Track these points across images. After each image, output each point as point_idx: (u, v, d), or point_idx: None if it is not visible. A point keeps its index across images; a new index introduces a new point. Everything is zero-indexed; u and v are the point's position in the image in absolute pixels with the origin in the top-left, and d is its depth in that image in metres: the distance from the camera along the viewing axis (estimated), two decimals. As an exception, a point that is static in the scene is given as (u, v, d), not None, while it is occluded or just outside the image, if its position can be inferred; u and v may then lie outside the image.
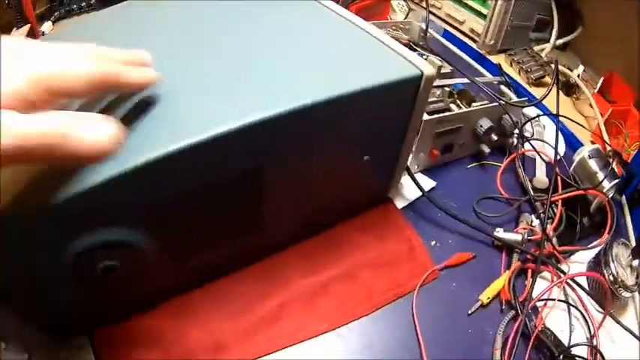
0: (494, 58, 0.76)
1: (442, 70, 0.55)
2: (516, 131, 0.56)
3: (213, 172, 0.31)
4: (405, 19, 0.76)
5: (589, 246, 0.52)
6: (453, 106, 0.53)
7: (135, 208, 0.29)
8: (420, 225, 0.49)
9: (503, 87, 0.58)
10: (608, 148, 0.59)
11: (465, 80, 0.55)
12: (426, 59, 0.60)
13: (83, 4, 0.87)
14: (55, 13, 0.85)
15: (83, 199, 0.25)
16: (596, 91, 0.74)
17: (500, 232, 0.49)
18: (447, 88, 0.53)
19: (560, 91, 0.73)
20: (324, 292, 0.42)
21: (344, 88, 0.33)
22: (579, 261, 0.52)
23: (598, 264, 0.49)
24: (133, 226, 0.30)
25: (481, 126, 0.52)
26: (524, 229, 0.50)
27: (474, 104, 0.54)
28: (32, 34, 0.77)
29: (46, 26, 0.82)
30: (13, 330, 0.33)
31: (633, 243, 0.55)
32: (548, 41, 0.79)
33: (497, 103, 0.53)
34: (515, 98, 0.56)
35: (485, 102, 0.54)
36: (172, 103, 0.30)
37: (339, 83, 0.34)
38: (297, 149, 0.35)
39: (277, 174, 0.35)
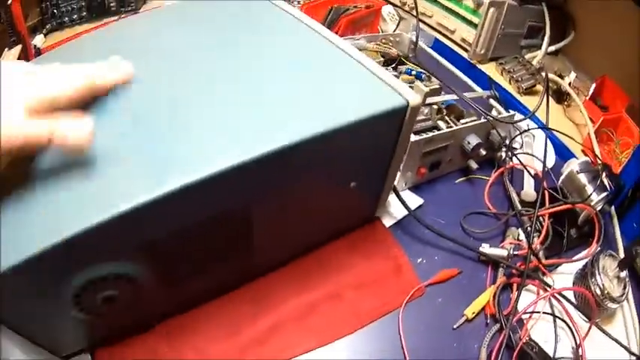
0: (485, 67, 0.76)
1: (431, 87, 0.56)
2: (505, 146, 0.56)
3: (202, 211, 0.33)
4: (395, 28, 0.77)
5: (576, 258, 0.53)
6: (441, 123, 0.54)
7: (131, 245, 0.31)
8: (407, 242, 0.50)
9: (492, 100, 0.58)
10: (599, 161, 0.59)
11: (454, 97, 0.56)
12: (414, 75, 0.61)
13: (75, 16, 0.89)
14: (47, 26, 0.86)
15: (82, 239, 0.27)
16: (588, 97, 0.74)
17: (486, 248, 0.50)
18: (435, 106, 0.54)
19: (551, 99, 0.74)
20: (313, 311, 0.43)
21: (329, 124, 0.34)
22: (566, 272, 0.53)
23: (585, 276, 0.50)
24: (130, 260, 0.32)
25: (469, 143, 0.53)
26: (510, 243, 0.51)
27: (462, 121, 0.54)
28: (24, 50, 0.77)
29: (39, 39, 0.83)
30: (18, 350, 0.35)
31: (621, 254, 0.56)
32: (539, 47, 0.79)
33: (485, 120, 0.53)
34: (504, 113, 0.57)
35: (474, 118, 0.55)
36: (159, 139, 0.32)
37: (324, 118, 0.35)
38: (283, 184, 0.36)
39: (265, 207, 0.37)
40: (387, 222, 0.51)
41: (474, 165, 0.56)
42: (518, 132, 0.59)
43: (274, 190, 0.36)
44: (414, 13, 0.71)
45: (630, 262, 0.53)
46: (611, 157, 0.67)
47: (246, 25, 0.46)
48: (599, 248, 0.54)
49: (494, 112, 0.58)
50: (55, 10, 0.88)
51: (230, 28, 0.45)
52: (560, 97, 0.73)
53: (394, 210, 0.51)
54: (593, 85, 0.73)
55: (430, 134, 0.50)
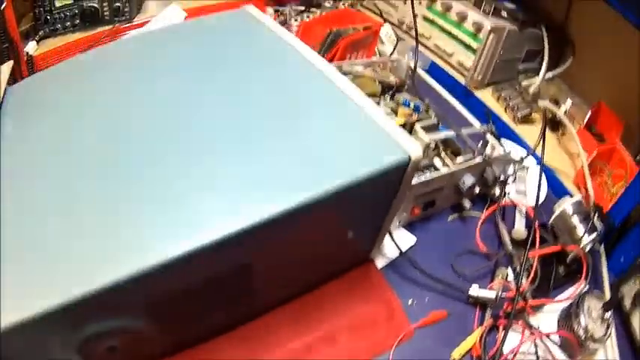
0: (482, 93, 0.76)
1: (428, 122, 0.55)
2: (499, 184, 0.57)
3: (205, 272, 0.33)
4: (393, 51, 0.76)
5: (562, 298, 0.54)
6: (437, 160, 0.54)
7: (135, 303, 0.32)
8: (399, 283, 0.50)
9: (489, 135, 0.58)
10: (591, 201, 0.60)
11: (452, 133, 0.55)
12: (412, 108, 0.60)
13: (67, 24, 0.87)
14: (40, 32, 0.84)
15: (90, 299, 0.28)
16: (583, 125, 0.74)
17: (474, 290, 0.51)
18: (432, 144, 0.53)
19: (547, 127, 0.74)
20: (308, 353, 0.44)
21: (331, 185, 0.34)
22: (552, 311, 0.54)
23: (569, 316, 0.51)
24: (134, 315, 0.33)
25: (464, 182, 0.53)
26: (499, 283, 0.52)
27: (458, 159, 0.54)
28: (16, 57, 0.76)
29: (31, 46, 0.81)
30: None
31: (607, 292, 0.57)
32: (536, 71, 0.79)
33: (481, 160, 0.53)
34: (500, 150, 0.57)
35: (470, 156, 0.55)
36: (160, 201, 0.32)
37: (325, 179, 0.34)
38: (284, 239, 0.36)
39: (265, 260, 0.37)
40: (380, 263, 0.51)
41: (467, 204, 0.57)
42: (512, 168, 0.59)
43: (275, 246, 0.36)
44: (412, 34, 0.70)
45: (615, 304, 0.54)
46: (602, 190, 0.67)
47: (238, 58, 0.45)
48: (586, 287, 0.55)
49: (489, 148, 0.58)
50: (48, 17, 0.85)
51: (221, 60, 0.45)
52: (555, 125, 0.73)
53: (387, 250, 0.52)
54: (589, 114, 0.74)
55: (427, 176, 0.50)
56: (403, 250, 0.50)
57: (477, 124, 0.61)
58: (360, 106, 0.40)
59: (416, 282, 0.51)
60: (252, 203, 0.32)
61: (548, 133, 0.73)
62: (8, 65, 0.76)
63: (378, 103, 0.60)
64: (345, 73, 0.64)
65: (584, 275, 0.55)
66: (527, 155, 0.58)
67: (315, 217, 0.36)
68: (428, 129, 0.56)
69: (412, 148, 0.38)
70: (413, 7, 0.65)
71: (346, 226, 0.41)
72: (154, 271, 0.29)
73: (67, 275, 0.28)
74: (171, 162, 0.35)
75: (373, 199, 0.40)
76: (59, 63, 0.51)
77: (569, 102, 0.74)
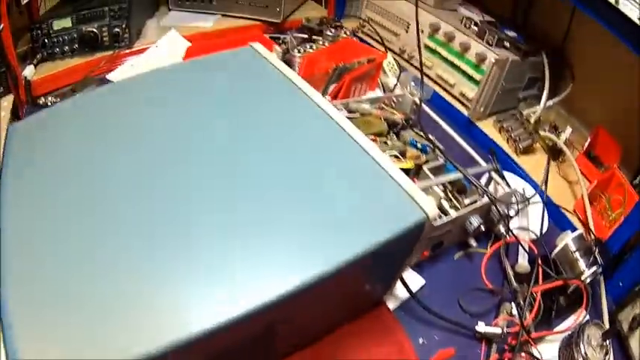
0: (484, 124, 0.78)
1: (436, 163, 0.57)
2: (503, 221, 0.59)
3: (231, 338, 0.34)
4: (396, 83, 0.77)
5: (563, 329, 0.57)
6: (444, 202, 0.56)
7: None
8: (409, 323, 0.53)
9: (494, 174, 0.61)
10: (592, 229, 0.63)
11: (459, 175, 0.58)
12: (419, 149, 0.62)
13: (66, 48, 0.86)
14: (38, 56, 0.84)
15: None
16: (582, 150, 0.77)
17: (481, 327, 0.54)
18: (440, 187, 0.56)
19: (546, 156, 0.76)
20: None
21: (356, 251, 0.35)
22: (553, 340, 0.58)
23: (570, 345, 0.55)
24: None
25: (471, 223, 0.56)
26: (504, 319, 0.55)
27: (466, 201, 0.57)
28: (15, 81, 0.74)
29: (29, 71, 0.81)
30: None
31: (606, 320, 0.60)
32: (535, 97, 0.81)
33: (487, 201, 0.56)
34: (505, 189, 0.59)
35: (476, 197, 0.57)
36: (200, 263, 0.34)
37: (350, 244, 0.36)
38: (310, 301, 0.38)
39: (289, 318, 0.39)
40: (392, 304, 0.54)
41: (473, 243, 0.59)
42: (516, 204, 0.61)
43: (301, 305, 0.38)
44: (413, 62, 0.71)
45: (614, 334, 0.57)
46: (602, 218, 0.70)
47: (248, 108, 0.46)
48: (586, 317, 0.58)
49: (492, 186, 0.60)
50: (45, 40, 0.84)
51: (227, 106, 0.46)
52: (555, 153, 0.75)
53: (398, 292, 0.54)
54: (588, 140, 0.76)
55: (438, 222, 0.52)
56: (413, 291, 0.52)
57: (481, 161, 0.63)
58: (376, 161, 0.41)
59: (425, 321, 0.54)
60: (288, 270, 0.34)
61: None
62: (9, 101, 0.74)
63: (386, 143, 0.62)
64: (351, 111, 0.66)
65: (584, 305, 0.58)
66: (534, 195, 0.60)
67: (339, 279, 0.38)
68: (435, 170, 0.58)
69: (429, 206, 0.39)
70: (419, 46, 0.66)
71: (365, 280, 0.44)
72: (194, 340, 0.30)
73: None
74: (204, 223, 0.36)
75: (392, 255, 0.42)
76: (64, 102, 0.50)
77: (568, 130, 0.76)
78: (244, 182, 0.40)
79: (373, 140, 0.57)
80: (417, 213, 0.39)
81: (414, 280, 0.56)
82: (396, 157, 0.58)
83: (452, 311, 0.54)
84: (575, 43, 0.81)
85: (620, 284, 0.63)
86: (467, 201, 0.57)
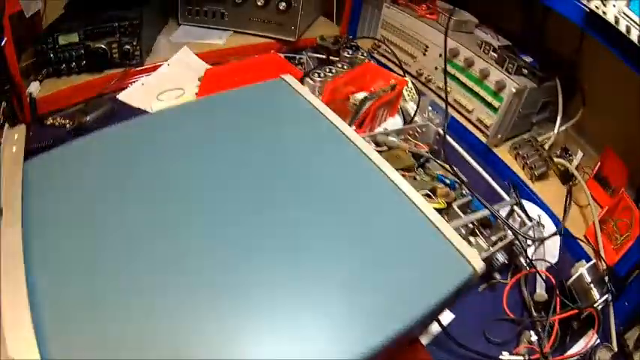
0: (500, 151, 0.80)
1: (464, 200, 0.59)
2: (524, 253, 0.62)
3: None
4: (417, 109, 0.78)
5: (577, 352, 0.61)
6: (471, 238, 0.59)
7: None
8: (441, 357, 0.57)
9: (516, 208, 0.63)
10: (603, 258, 0.67)
11: (486, 212, 0.60)
12: (448, 185, 0.63)
13: (73, 64, 0.83)
14: (43, 71, 0.81)
15: None
16: (592, 174, 0.80)
17: (505, 356, 0.58)
18: (470, 225, 0.58)
19: (557, 180, 0.80)
20: None
21: (415, 315, 0.37)
22: (568, 361, 0.62)
23: (583, 367, 0.59)
24: None
25: (497, 259, 0.59)
26: (525, 347, 0.59)
27: (492, 238, 0.59)
28: (19, 99, 0.72)
29: (34, 87, 0.79)
30: None
31: (615, 348, 0.65)
32: (548, 120, 0.83)
33: (512, 236, 0.59)
34: (528, 223, 0.62)
35: (502, 234, 0.60)
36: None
37: (408, 310, 0.37)
38: None
39: None
40: (425, 340, 0.57)
41: (497, 276, 0.62)
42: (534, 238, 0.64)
43: None
44: (430, 86, 0.72)
45: (623, 357, 0.62)
46: (610, 242, 0.74)
47: (285, 151, 0.47)
48: (597, 340, 0.63)
49: (511, 220, 0.63)
50: (51, 55, 0.81)
51: (272, 154, 0.46)
52: (567, 177, 0.78)
53: (431, 327, 0.57)
54: (598, 164, 0.79)
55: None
56: (445, 325, 0.55)
57: (503, 194, 0.66)
58: (426, 215, 0.42)
59: (455, 354, 0.57)
60: (353, 339, 0.35)
61: (560, 186, 0.79)
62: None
63: (415, 178, 0.63)
64: (378, 144, 0.67)
65: (595, 330, 0.63)
66: (555, 233, 0.63)
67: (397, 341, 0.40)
68: (463, 207, 0.60)
69: (475, 260, 0.40)
70: (445, 79, 0.67)
71: (412, 332, 0.45)
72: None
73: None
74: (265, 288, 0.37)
75: (439, 308, 0.44)
76: (83, 138, 0.47)
77: (580, 154, 0.79)
78: (299, 243, 0.41)
79: (403, 176, 0.59)
80: (467, 270, 0.39)
81: (445, 315, 0.59)
82: (428, 195, 0.59)
83: (478, 341, 0.58)
84: (586, 64, 0.83)
85: (626, 304, 0.68)
86: (493, 238, 0.60)
